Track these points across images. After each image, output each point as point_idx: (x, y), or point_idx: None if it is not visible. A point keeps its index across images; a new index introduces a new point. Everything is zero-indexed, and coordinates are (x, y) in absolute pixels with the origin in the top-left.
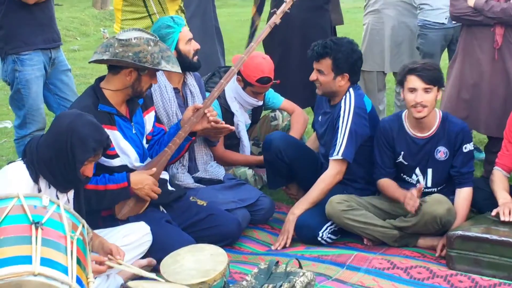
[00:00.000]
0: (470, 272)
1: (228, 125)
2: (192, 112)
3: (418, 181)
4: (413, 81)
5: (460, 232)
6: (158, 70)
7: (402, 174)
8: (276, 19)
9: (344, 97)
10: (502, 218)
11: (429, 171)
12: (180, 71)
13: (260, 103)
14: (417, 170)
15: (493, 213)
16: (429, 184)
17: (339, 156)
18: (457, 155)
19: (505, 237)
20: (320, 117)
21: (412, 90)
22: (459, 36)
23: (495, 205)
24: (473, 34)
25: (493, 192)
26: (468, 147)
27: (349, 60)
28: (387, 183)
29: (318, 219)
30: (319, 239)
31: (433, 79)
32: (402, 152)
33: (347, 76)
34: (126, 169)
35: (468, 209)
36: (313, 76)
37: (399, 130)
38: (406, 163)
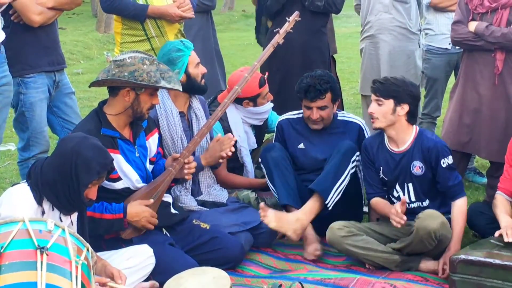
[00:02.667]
0: None
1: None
2: (171, 161)
3: (399, 198)
4: (372, 94)
5: (462, 256)
6: (156, 88)
7: (386, 191)
8: (279, 38)
9: (347, 118)
10: (505, 239)
11: (410, 186)
12: (181, 89)
13: (271, 104)
14: (397, 186)
15: (496, 234)
16: (412, 199)
17: None
18: (438, 171)
19: (508, 262)
20: (303, 145)
21: (370, 102)
22: (461, 61)
23: (498, 229)
24: (474, 59)
25: (496, 216)
26: (446, 161)
27: (339, 87)
28: (377, 202)
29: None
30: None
31: (384, 92)
32: (381, 168)
33: (339, 101)
34: (128, 192)
35: (465, 221)
36: (315, 115)
37: (379, 145)
38: (386, 178)
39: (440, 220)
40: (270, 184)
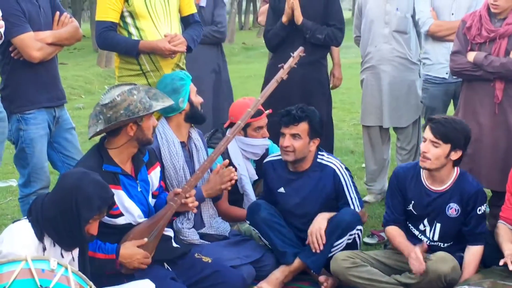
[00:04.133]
0: None
1: (229, 168)
2: (173, 196)
3: (424, 233)
4: (426, 131)
5: (466, 287)
6: (152, 112)
7: (408, 223)
8: (283, 74)
9: (325, 160)
10: (510, 268)
11: (438, 225)
12: (173, 102)
13: (268, 142)
14: (425, 221)
15: (501, 262)
16: (435, 238)
17: (360, 208)
18: (471, 216)
19: None
20: (283, 189)
21: (424, 139)
22: (461, 91)
23: (501, 258)
24: (474, 89)
25: (499, 244)
26: (482, 208)
27: (321, 125)
28: (395, 232)
29: None
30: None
31: (443, 135)
32: (413, 201)
33: (318, 141)
34: (130, 227)
35: (477, 266)
36: (286, 142)
37: (413, 178)
38: (415, 212)
39: (452, 265)
40: (269, 244)
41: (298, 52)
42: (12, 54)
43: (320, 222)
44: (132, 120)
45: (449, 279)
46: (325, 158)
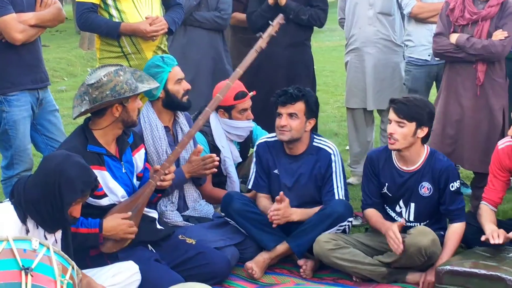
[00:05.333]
0: None
1: (212, 155)
2: (153, 173)
3: (400, 214)
4: (390, 113)
5: (448, 267)
6: (138, 94)
7: (385, 206)
8: (263, 43)
9: (322, 144)
10: (492, 241)
11: (412, 205)
12: (158, 84)
13: (252, 124)
14: (401, 202)
15: (483, 238)
16: (411, 218)
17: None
18: (445, 194)
19: (494, 272)
20: (277, 170)
21: (389, 121)
22: (443, 73)
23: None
24: (456, 70)
25: (481, 225)
26: (454, 185)
27: (317, 106)
28: (372, 213)
29: None
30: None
31: (408, 114)
32: (387, 184)
33: (314, 121)
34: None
35: (458, 242)
36: (284, 121)
37: (385, 161)
38: (390, 194)
39: (431, 237)
40: (247, 234)
41: (278, 20)
42: None
43: (296, 213)
44: (118, 101)
45: (429, 252)
46: (322, 142)
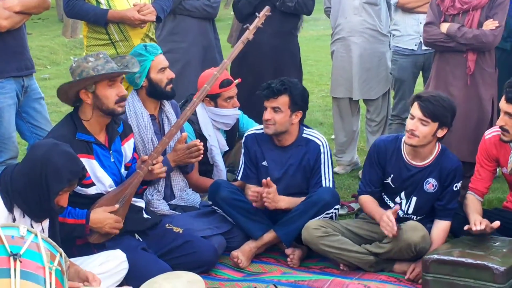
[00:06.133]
0: None
1: (196, 142)
2: (140, 163)
3: (400, 205)
4: (414, 108)
5: (435, 256)
6: (99, 77)
7: (384, 195)
8: (249, 34)
9: (311, 135)
10: (474, 228)
11: (414, 199)
12: (137, 69)
13: (238, 112)
14: (402, 194)
15: (466, 227)
16: (410, 211)
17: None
18: (446, 192)
19: (480, 261)
20: (266, 162)
21: (412, 117)
22: (432, 63)
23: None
24: (446, 60)
25: (467, 215)
26: (458, 185)
27: (303, 98)
28: (368, 199)
29: None
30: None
31: (433, 114)
32: (392, 175)
33: (300, 113)
34: (100, 197)
35: (444, 241)
36: (267, 115)
37: (393, 152)
38: (393, 186)
39: (422, 234)
40: (234, 222)
41: (264, 12)
42: None
43: (283, 200)
44: (81, 87)
45: (419, 248)
46: (311, 133)
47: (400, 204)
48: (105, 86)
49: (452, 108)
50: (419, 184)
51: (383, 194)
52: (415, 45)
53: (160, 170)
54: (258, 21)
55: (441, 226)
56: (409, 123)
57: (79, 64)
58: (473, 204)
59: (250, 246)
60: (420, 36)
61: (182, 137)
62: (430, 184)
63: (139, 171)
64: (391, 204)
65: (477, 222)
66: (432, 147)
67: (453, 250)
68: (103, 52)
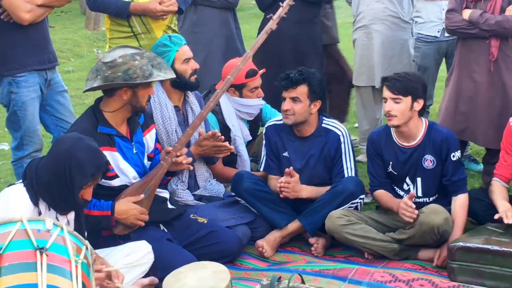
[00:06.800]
0: (472, 283)
1: (227, 144)
2: (164, 155)
3: (408, 192)
4: (384, 91)
5: (461, 244)
6: (149, 83)
7: (393, 185)
8: (273, 24)
9: (331, 125)
10: (506, 221)
11: (418, 180)
12: (174, 75)
13: (263, 102)
14: (407, 180)
15: (496, 217)
16: (419, 193)
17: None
18: (447, 164)
19: (506, 248)
20: (287, 153)
21: (385, 99)
22: (455, 49)
23: (495, 215)
24: (469, 47)
25: (493, 202)
26: (456, 155)
27: (322, 87)
28: (381, 193)
29: None
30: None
31: (402, 89)
32: (391, 162)
33: (319, 103)
34: (125, 189)
35: (466, 216)
36: (287, 105)
37: (387, 140)
38: (395, 173)
39: (444, 216)
40: (257, 213)
41: (288, 1)
42: (1, 17)
43: (305, 190)
44: (128, 85)
45: (442, 231)
46: (331, 123)
47: (409, 190)
48: (144, 87)
49: (419, 79)
50: (418, 164)
51: (392, 185)
52: (438, 31)
53: (187, 161)
54: (282, 11)
55: (458, 202)
56: (385, 107)
57: (126, 61)
58: (499, 191)
59: (274, 236)
60: (443, 22)
61: (210, 133)
62: (428, 161)
63: (163, 163)
64: (401, 193)
65: (509, 214)
66: (417, 124)
67: (479, 237)
68: (143, 50)
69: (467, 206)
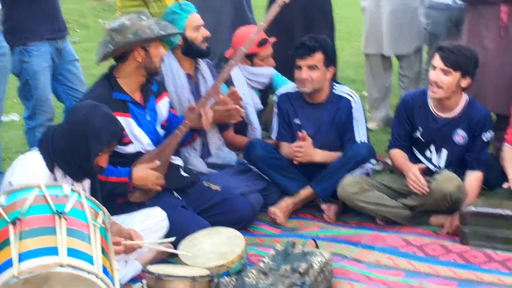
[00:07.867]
0: (484, 247)
1: (238, 107)
2: (188, 111)
3: (430, 160)
4: (436, 59)
5: (473, 208)
6: (161, 38)
7: (414, 149)
8: None
9: (342, 92)
10: None
11: (444, 151)
12: (178, 31)
13: (273, 70)
14: (432, 147)
15: (505, 186)
16: (442, 165)
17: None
18: (476, 141)
19: None
20: (299, 120)
21: (434, 67)
22: (465, 16)
23: (506, 181)
24: (479, 13)
25: (504, 168)
26: (487, 135)
27: (335, 53)
28: (397, 153)
29: None
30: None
31: (454, 63)
32: (421, 128)
33: (333, 69)
34: (139, 156)
35: (479, 190)
36: (304, 74)
37: (421, 105)
38: (423, 139)
39: (457, 183)
40: (270, 180)
41: None
42: None
43: (319, 153)
44: (140, 44)
45: (454, 198)
46: (343, 90)
47: (431, 158)
48: (158, 46)
49: (473, 56)
50: (448, 136)
51: (413, 148)
52: None
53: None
54: None
55: (473, 177)
56: (432, 74)
57: (134, 23)
58: (510, 157)
59: (287, 202)
60: None
61: (226, 98)
62: (460, 136)
63: (178, 132)
64: (422, 158)
65: None
66: (458, 98)
67: (491, 202)
68: (146, 13)
69: (481, 184)
